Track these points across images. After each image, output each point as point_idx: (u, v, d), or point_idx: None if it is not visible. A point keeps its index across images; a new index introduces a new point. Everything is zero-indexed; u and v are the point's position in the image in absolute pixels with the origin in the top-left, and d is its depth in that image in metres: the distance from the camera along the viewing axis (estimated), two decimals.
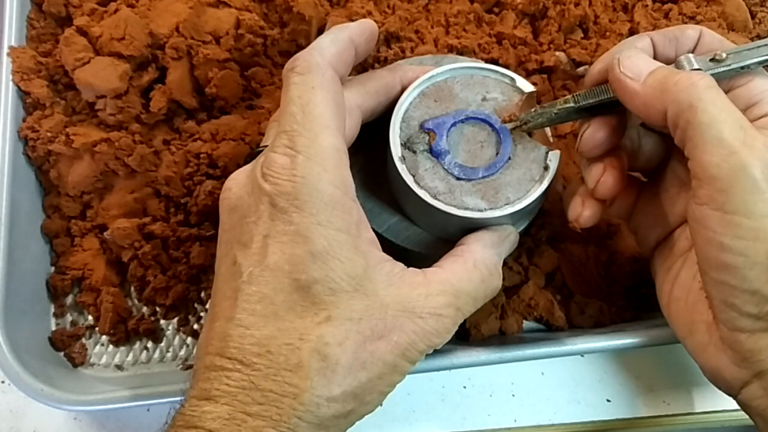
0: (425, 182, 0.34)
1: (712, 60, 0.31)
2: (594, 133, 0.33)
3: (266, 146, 0.30)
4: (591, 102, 0.33)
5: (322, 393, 0.27)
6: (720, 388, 0.33)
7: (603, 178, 0.33)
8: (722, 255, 0.28)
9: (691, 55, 0.32)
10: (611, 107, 0.33)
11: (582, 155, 0.34)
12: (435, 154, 0.34)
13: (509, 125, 0.35)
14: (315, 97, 0.29)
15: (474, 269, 0.31)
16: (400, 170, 0.34)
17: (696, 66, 0.31)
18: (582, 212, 0.35)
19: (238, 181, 0.30)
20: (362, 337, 0.28)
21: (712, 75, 0.30)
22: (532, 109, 0.34)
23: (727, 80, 0.32)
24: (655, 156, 0.36)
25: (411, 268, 0.31)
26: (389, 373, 0.29)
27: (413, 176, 0.34)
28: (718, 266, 0.29)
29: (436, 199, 0.33)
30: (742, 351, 0.30)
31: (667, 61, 0.33)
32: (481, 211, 0.33)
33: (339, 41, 0.32)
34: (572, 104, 0.33)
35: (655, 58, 0.33)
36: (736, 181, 0.28)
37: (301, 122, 0.29)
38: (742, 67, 0.31)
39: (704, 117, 0.28)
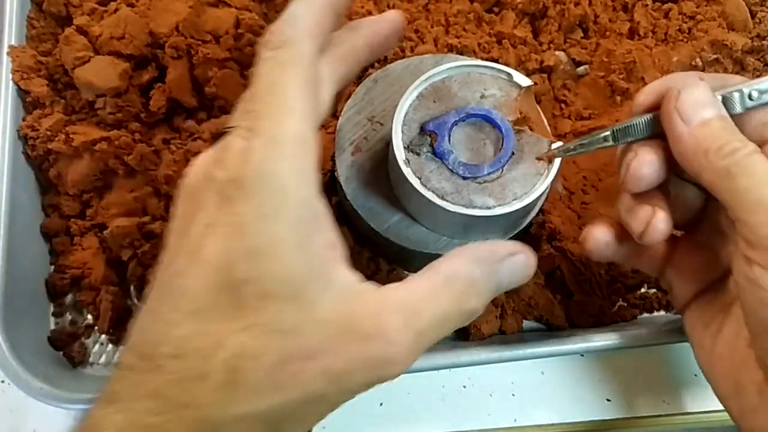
0: (432, 184, 0.33)
1: (749, 97, 0.30)
2: (642, 165, 0.30)
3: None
4: (630, 141, 0.31)
5: (226, 410, 0.23)
6: None
7: (654, 221, 0.30)
8: None
9: (736, 94, 0.30)
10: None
11: (627, 191, 0.31)
12: (438, 155, 0.34)
13: (545, 157, 0.34)
14: (283, 75, 0.26)
15: (443, 287, 0.26)
16: (405, 173, 0.33)
17: (738, 109, 0.30)
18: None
19: (196, 165, 0.26)
20: (285, 354, 0.23)
21: (747, 109, 0.30)
22: (569, 145, 0.33)
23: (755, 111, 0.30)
24: (692, 208, 0.34)
25: (368, 282, 0.26)
26: (313, 402, 0.24)
27: (419, 178, 0.33)
28: None
29: (444, 199, 0.33)
30: None
31: None
32: (489, 208, 0.33)
33: (314, 7, 0.28)
34: (611, 143, 0.31)
35: None
36: None
37: (266, 103, 0.25)
38: None
39: (742, 182, 0.27)
